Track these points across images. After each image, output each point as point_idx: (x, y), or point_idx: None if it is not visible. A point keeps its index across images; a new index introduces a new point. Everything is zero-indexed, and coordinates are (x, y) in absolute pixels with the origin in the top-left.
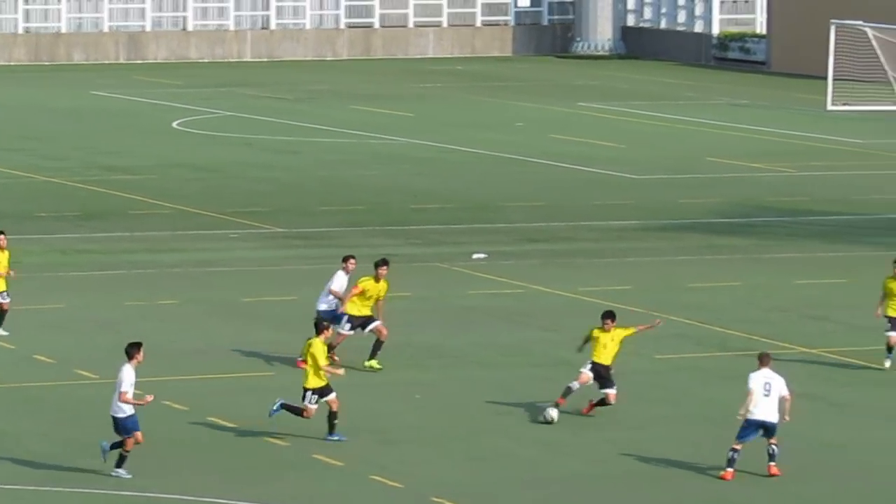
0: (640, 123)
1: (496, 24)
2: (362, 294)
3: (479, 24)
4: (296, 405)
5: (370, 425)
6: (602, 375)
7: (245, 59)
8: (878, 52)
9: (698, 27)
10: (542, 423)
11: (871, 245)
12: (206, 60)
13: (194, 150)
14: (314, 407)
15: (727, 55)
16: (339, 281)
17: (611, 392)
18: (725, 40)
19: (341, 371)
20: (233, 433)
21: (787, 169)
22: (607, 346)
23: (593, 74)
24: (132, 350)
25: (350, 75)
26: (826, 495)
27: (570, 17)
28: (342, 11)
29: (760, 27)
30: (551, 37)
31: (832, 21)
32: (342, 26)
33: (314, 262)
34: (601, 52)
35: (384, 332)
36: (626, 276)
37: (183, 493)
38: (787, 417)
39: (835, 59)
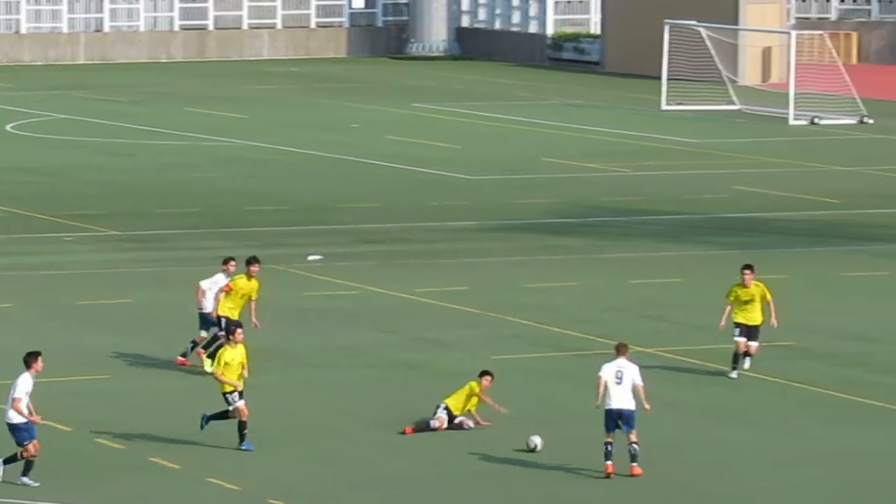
0: (475, 124)
1: (331, 26)
2: (233, 293)
3: (313, 25)
4: (222, 411)
5: (207, 427)
6: (452, 418)
7: (79, 62)
8: (712, 51)
9: (533, 28)
10: (525, 451)
11: (705, 244)
12: (39, 63)
13: (28, 153)
14: (241, 403)
15: (561, 55)
16: (217, 282)
17: (465, 419)
18: (560, 41)
19: (238, 384)
20: (68, 437)
21: (622, 169)
22: (470, 401)
23: (428, 75)
24: (30, 359)
25: (184, 77)
26: (661, 494)
27: (405, 18)
28: (176, 13)
29: (594, 27)
30: (386, 38)
31: (666, 21)
32: (176, 28)
33: (149, 264)
34: (436, 53)
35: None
36: (461, 277)
37: (18, 498)
38: (646, 406)
39: (669, 59)
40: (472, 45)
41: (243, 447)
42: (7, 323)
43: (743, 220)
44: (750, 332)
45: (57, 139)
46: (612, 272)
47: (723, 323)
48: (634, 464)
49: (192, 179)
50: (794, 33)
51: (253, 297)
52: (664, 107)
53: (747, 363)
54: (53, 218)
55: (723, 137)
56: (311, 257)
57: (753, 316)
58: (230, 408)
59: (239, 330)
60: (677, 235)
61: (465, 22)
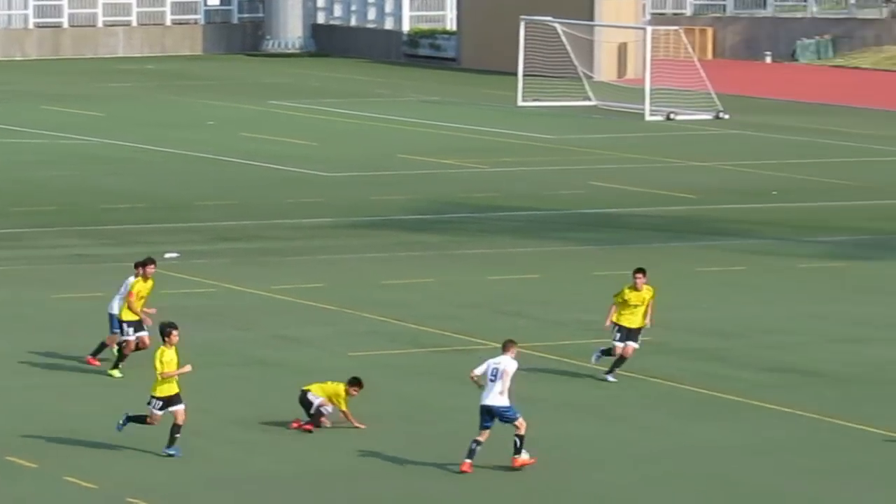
0: (332, 121)
1: (186, 23)
2: (135, 296)
3: (168, 22)
4: (140, 414)
5: (65, 426)
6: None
7: None
8: (568, 47)
9: (389, 24)
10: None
11: (562, 240)
12: None
13: None
14: (159, 413)
15: (417, 52)
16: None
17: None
18: (416, 37)
19: (188, 367)
20: None
21: (479, 165)
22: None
23: (284, 72)
24: None
25: (40, 75)
26: (519, 490)
27: (261, 15)
28: (31, 11)
29: (450, 24)
30: (242, 35)
31: (522, 17)
32: (31, 26)
33: (4, 263)
34: (292, 50)
35: (148, 342)
36: (318, 274)
37: None
38: (509, 398)
39: (525, 56)
40: (327, 41)
41: (168, 451)
42: None
43: (600, 215)
44: (630, 333)
45: None
46: (470, 268)
47: (608, 323)
48: (515, 455)
49: (49, 178)
50: (649, 29)
51: (146, 296)
52: (520, 103)
53: (611, 377)
54: None
55: (579, 133)
56: (168, 255)
57: (636, 319)
58: (154, 413)
59: (175, 331)
60: (534, 231)
61: (321, 19)
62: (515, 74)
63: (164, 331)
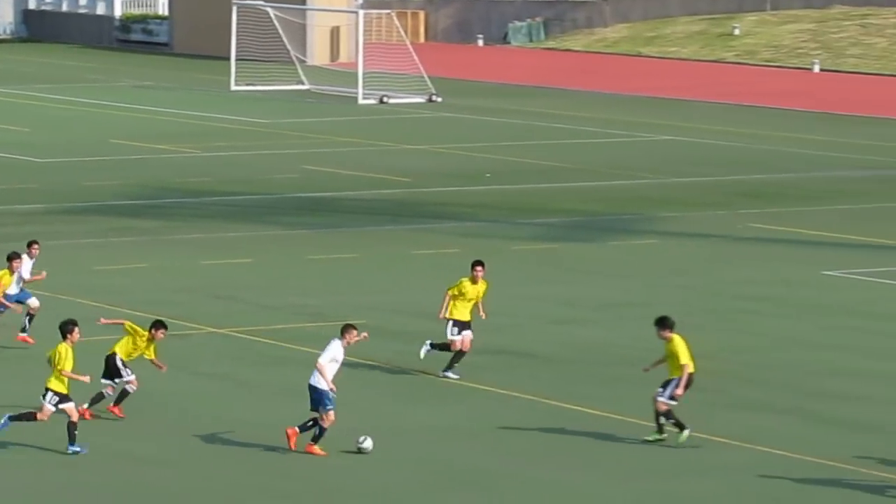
0: (44, 107)
1: None
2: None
3: None
4: (24, 413)
5: None
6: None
7: None
8: (280, 31)
9: (100, 9)
10: (356, 452)
11: (276, 224)
12: None
13: None
14: (51, 409)
15: (130, 37)
16: (27, 266)
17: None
18: (128, 22)
19: (86, 378)
20: None
21: (192, 150)
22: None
23: None
24: None
25: None
26: (234, 472)
27: None
28: None
29: (162, 9)
30: None
31: (234, 2)
32: None
33: None
34: (3, 36)
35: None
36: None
37: None
38: (330, 386)
39: (238, 40)
40: (39, 27)
41: (73, 449)
42: None
43: (313, 199)
44: (463, 326)
45: None
46: (184, 253)
47: (443, 314)
48: (312, 442)
49: None
50: (361, 13)
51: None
52: (234, 87)
53: (452, 374)
54: None
55: (292, 117)
56: None
57: (467, 312)
58: (61, 406)
59: (76, 329)
60: (248, 216)
61: (33, 4)
62: (228, 59)
63: (66, 328)
